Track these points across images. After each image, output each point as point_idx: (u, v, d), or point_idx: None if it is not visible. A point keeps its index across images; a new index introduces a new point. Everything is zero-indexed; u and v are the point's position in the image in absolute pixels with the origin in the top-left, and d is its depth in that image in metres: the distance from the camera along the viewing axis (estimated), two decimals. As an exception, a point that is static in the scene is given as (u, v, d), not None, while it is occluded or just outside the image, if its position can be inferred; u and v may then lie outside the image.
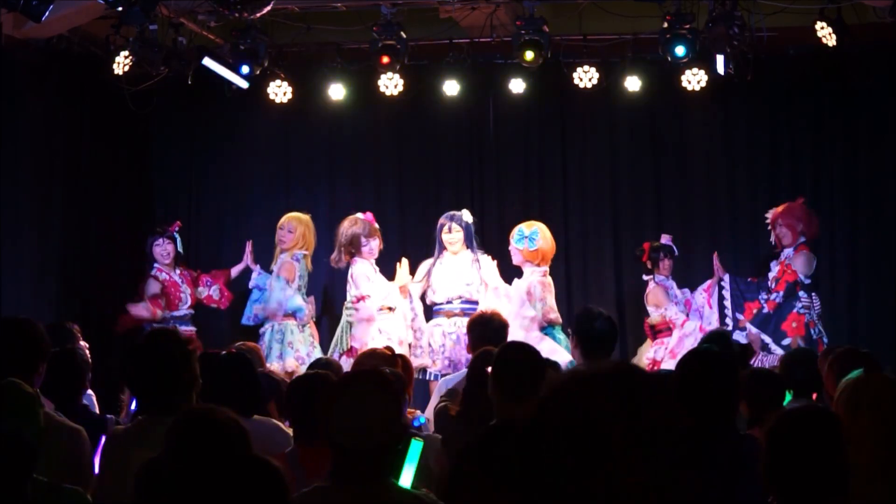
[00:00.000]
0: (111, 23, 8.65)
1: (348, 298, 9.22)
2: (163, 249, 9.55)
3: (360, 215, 9.22)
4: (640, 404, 1.82)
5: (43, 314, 8.53)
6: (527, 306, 8.81)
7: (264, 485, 2.95)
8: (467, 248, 9.20)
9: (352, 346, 8.92)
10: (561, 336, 8.92)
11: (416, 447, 3.53)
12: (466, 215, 9.25)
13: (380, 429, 3.25)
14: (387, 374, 3.44)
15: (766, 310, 9.17)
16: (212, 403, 4.65)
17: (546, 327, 8.92)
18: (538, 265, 9.06)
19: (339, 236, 9.16)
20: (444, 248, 9.22)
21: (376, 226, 9.25)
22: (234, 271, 9.85)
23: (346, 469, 3.26)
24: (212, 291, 9.70)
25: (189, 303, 9.56)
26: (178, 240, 9.68)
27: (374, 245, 9.17)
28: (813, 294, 9.13)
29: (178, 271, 9.60)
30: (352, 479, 3.25)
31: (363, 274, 9.07)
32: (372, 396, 3.29)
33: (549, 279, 9.11)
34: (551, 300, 9.02)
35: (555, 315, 8.99)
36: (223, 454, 3.00)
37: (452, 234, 9.18)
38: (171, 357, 4.08)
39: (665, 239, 9.52)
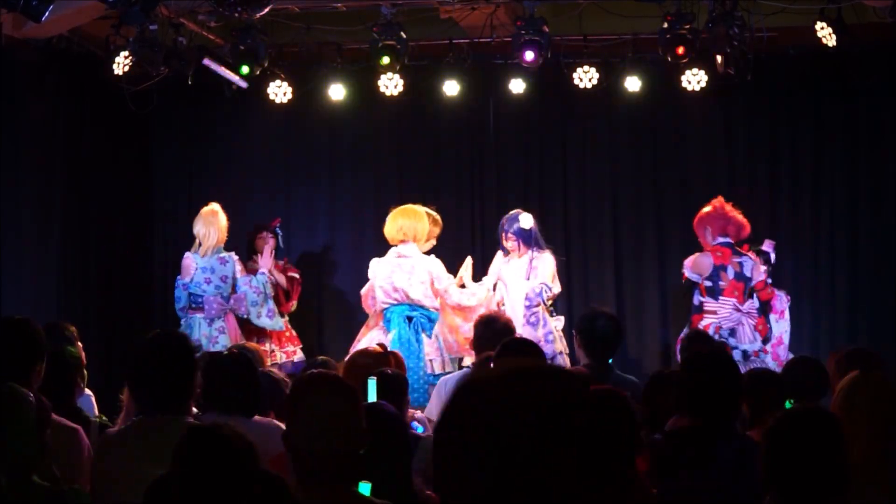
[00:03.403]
0: (111, 23, 8.65)
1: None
2: (269, 243, 9.65)
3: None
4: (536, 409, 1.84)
5: (43, 314, 8.52)
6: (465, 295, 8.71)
7: (273, 500, 2.94)
8: (528, 249, 8.91)
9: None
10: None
11: (364, 489, 3.53)
12: (524, 221, 8.93)
13: (336, 434, 3.23)
14: (344, 380, 3.42)
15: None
16: (213, 404, 4.67)
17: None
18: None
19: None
20: (506, 251, 9.06)
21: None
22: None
23: (304, 473, 3.26)
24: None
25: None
26: (280, 235, 9.77)
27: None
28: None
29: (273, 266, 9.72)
30: (310, 483, 3.25)
31: None
32: (329, 402, 3.27)
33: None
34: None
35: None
36: (232, 470, 2.99)
37: (508, 242, 8.94)
38: (175, 359, 4.07)
39: (767, 245, 9.34)
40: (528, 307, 8.69)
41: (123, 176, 10.47)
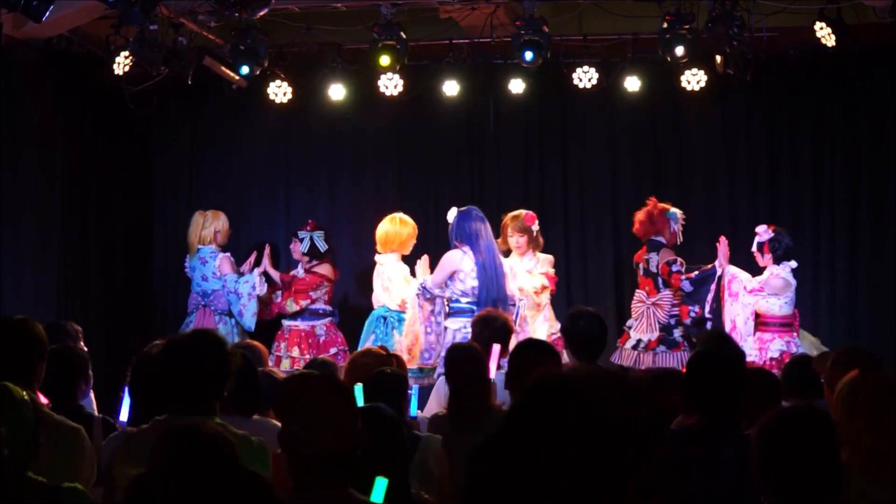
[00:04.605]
0: (111, 23, 8.65)
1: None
2: (294, 247, 9.86)
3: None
4: (594, 408, 1.88)
5: (43, 314, 8.52)
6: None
7: (255, 498, 2.93)
8: (457, 244, 8.52)
9: None
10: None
11: (380, 484, 3.50)
12: (449, 216, 8.68)
13: (332, 436, 3.22)
14: (341, 381, 3.41)
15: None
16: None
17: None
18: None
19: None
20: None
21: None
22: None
23: (300, 475, 3.25)
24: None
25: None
26: (305, 239, 9.80)
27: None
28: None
29: (300, 269, 9.80)
30: (306, 485, 3.24)
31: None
32: (325, 403, 3.26)
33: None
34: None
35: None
36: (212, 468, 2.97)
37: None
38: (212, 359, 4.02)
39: (757, 230, 9.22)
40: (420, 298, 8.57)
41: (123, 176, 10.46)
